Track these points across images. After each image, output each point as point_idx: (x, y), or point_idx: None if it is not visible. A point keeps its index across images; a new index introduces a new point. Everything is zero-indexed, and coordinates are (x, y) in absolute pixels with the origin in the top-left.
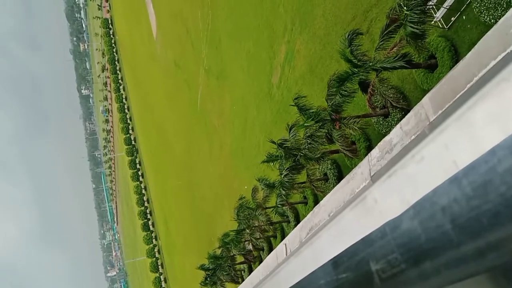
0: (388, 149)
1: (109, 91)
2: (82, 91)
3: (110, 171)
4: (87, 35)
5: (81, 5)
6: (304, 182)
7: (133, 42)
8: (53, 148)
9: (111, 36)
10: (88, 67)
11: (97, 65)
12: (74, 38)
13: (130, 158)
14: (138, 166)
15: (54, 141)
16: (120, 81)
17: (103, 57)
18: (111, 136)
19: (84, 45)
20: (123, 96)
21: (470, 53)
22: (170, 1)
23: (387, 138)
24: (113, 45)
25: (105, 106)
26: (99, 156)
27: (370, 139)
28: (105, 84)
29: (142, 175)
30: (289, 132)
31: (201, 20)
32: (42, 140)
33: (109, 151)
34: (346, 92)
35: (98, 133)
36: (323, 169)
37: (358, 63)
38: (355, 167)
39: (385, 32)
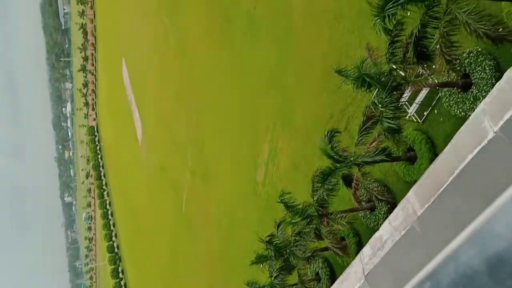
0: (379, 246)
1: (92, 198)
2: (65, 198)
3: (91, 282)
4: (73, 142)
5: (68, 115)
6: (296, 284)
7: (118, 148)
8: (32, 259)
9: (97, 143)
10: (72, 174)
11: (81, 172)
12: (60, 146)
13: (112, 267)
14: (121, 275)
15: (33, 252)
16: (104, 187)
17: (87, 164)
18: (93, 244)
19: (69, 153)
20: (107, 202)
21: (447, 147)
22: (156, 107)
23: (377, 234)
24: (98, 151)
25: (88, 213)
26: (80, 266)
27: (359, 234)
28: (89, 190)
29: (125, 286)
30: (277, 230)
31: (186, 124)
32: (20, 251)
33: (90, 260)
34: (330, 187)
35: (80, 242)
36: (314, 269)
37: (340, 159)
38: (347, 265)
39: (363, 128)
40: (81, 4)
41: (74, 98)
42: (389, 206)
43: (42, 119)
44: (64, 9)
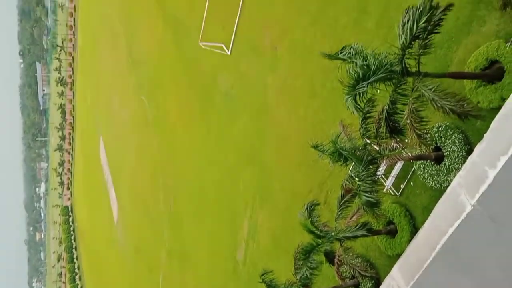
0: None
1: (63, 282)
2: (34, 284)
3: None
4: (45, 224)
5: (42, 195)
6: None
7: (93, 229)
8: None
9: (70, 223)
10: (42, 257)
11: (53, 254)
12: (31, 228)
13: None
14: None
15: None
16: (76, 270)
17: (59, 246)
18: None
19: (41, 234)
20: (79, 287)
21: (427, 221)
22: (133, 186)
23: None
24: (71, 232)
25: None
26: None
27: None
28: (60, 274)
29: None
30: None
31: (163, 202)
32: None
33: None
34: (313, 265)
35: None
36: None
37: (321, 234)
38: None
39: (342, 202)
40: (61, 85)
41: (49, 177)
42: (373, 282)
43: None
44: (43, 90)
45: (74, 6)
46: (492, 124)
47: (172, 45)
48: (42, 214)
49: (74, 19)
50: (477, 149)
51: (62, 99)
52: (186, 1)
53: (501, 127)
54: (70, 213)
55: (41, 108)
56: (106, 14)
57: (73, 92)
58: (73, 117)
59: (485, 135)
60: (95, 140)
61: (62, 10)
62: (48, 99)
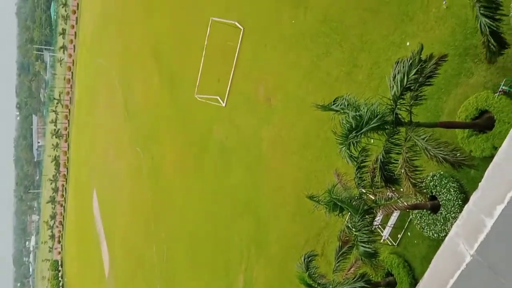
0: None
1: None
2: None
3: None
4: (33, 279)
5: (31, 249)
6: None
7: (83, 284)
8: None
9: (59, 278)
10: None
11: None
12: (18, 284)
13: None
14: None
15: None
16: None
17: None
18: None
19: None
20: None
21: (427, 272)
22: (125, 239)
23: None
24: None
25: None
26: None
27: None
28: None
29: None
30: None
31: (156, 256)
32: None
33: None
34: None
35: None
36: None
37: (318, 287)
38: None
39: (340, 254)
40: (56, 137)
41: (40, 230)
42: None
43: (2, 254)
44: (38, 142)
45: (73, 60)
46: (486, 173)
47: (168, 97)
48: (30, 269)
49: (72, 72)
50: (473, 198)
51: (57, 151)
52: (182, 55)
53: (495, 176)
54: (59, 268)
55: (35, 160)
56: (103, 68)
57: (68, 144)
58: (67, 168)
59: (480, 184)
60: (88, 192)
61: (61, 64)
62: (43, 151)
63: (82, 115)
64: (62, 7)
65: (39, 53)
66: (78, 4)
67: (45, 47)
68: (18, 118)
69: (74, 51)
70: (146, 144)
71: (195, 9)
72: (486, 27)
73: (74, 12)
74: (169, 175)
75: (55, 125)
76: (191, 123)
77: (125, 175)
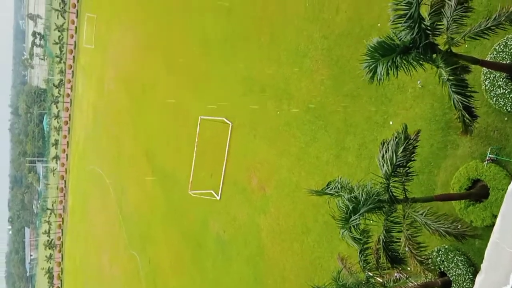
0: None
1: None
2: None
3: None
4: None
5: None
6: None
7: None
8: None
9: None
10: None
11: None
12: None
13: None
14: None
15: None
16: None
17: None
18: None
19: None
20: None
21: None
22: None
23: None
24: None
25: None
26: None
27: None
28: None
29: None
30: None
31: None
32: None
33: None
34: None
35: None
36: None
37: None
38: None
39: None
40: (49, 248)
41: None
42: None
43: None
44: (31, 255)
45: (66, 169)
46: (485, 253)
47: (161, 196)
48: None
49: (65, 181)
50: (478, 281)
51: (50, 262)
52: (174, 154)
53: (495, 256)
54: None
55: (28, 275)
56: (96, 173)
57: (62, 254)
58: (61, 280)
59: (482, 265)
60: None
61: (53, 174)
62: (36, 264)
63: (76, 223)
64: (55, 119)
65: (32, 165)
66: (70, 115)
67: (38, 158)
68: (10, 232)
69: (66, 160)
70: (142, 246)
71: (184, 110)
72: (459, 103)
73: (66, 123)
74: (167, 275)
75: (48, 236)
76: (187, 219)
77: (121, 281)
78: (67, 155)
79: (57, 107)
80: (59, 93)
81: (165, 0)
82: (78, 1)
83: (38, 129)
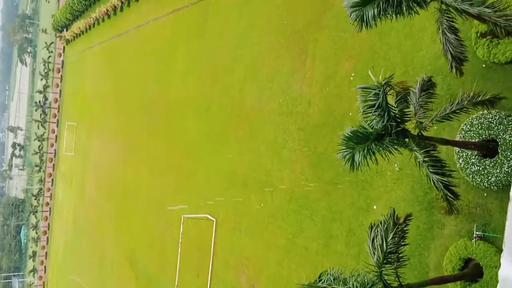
0: None
1: None
2: None
3: None
4: None
5: None
6: None
7: None
8: None
9: None
10: None
11: None
12: None
13: None
14: None
15: None
16: None
17: None
18: None
19: None
20: None
21: None
22: None
23: None
24: None
25: None
26: None
27: None
28: None
29: None
30: None
31: None
32: None
33: None
34: None
35: None
36: None
37: None
38: None
39: None
40: None
41: None
42: None
43: None
44: None
45: (43, 282)
46: None
47: None
48: None
49: None
50: None
51: None
52: (158, 256)
53: None
54: None
55: None
56: (76, 284)
57: None
58: None
59: None
60: None
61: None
62: None
63: None
64: (33, 229)
65: (7, 281)
66: (49, 224)
67: (14, 273)
68: None
69: (45, 272)
70: None
71: (166, 210)
72: (439, 183)
73: (45, 233)
74: None
75: None
76: None
77: None
78: (45, 267)
79: (36, 217)
80: (38, 202)
81: (146, 104)
82: (58, 111)
83: (15, 241)
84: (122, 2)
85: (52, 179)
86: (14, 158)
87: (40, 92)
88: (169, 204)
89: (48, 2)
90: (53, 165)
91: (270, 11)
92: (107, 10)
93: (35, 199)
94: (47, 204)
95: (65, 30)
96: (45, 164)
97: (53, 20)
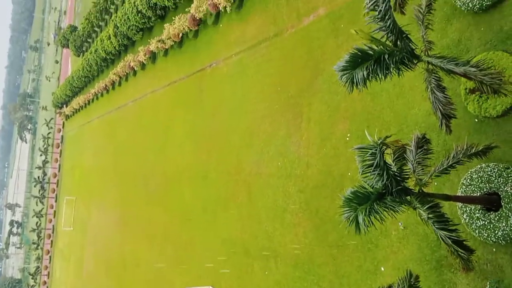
0: None
1: None
2: None
3: None
4: None
5: None
6: None
7: None
8: None
9: None
10: None
11: None
12: None
13: None
14: None
15: None
16: None
17: None
18: None
19: None
20: None
21: None
22: None
23: None
24: None
25: None
26: None
27: None
28: None
29: None
30: None
31: None
32: None
33: None
34: None
35: None
36: None
37: None
38: None
39: None
40: None
41: None
42: None
43: None
44: None
45: None
46: None
47: None
48: None
49: None
50: None
51: None
52: None
53: None
54: None
55: None
56: None
57: None
58: None
59: None
60: None
61: None
62: None
63: None
64: None
65: None
66: None
67: None
68: None
69: None
70: None
71: (168, 281)
72: (447, 238)
73: None
74: None
75: None
76: None
77: None
78: None
79: None
80: (35, 281)
81: (144, 175)
82: (57, 186)
83: None
84: (120, 77)
85: (50, 256)
86: (11, 236)
87: (39, 168)
88: (170, 276)
89: (49, 80)
90: (51, 241)
91: (263, 80)
92: (106, 85)
93: (32, 278)
94: (45, 283)
95: (64, 106)
96: (43, 241)
97: (53, 97)
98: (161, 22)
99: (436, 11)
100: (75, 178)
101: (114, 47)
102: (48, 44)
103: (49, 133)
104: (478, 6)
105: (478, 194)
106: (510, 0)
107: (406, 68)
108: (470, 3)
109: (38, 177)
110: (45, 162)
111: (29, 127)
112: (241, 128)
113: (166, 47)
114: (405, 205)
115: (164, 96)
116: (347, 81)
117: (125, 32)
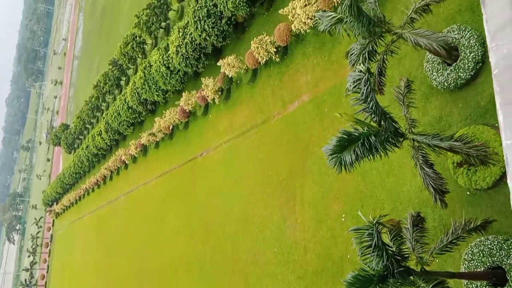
0: None
1: None
2: None
3: None
4: None
5: None
6: None
7: None
8: None
9: None
10: None
11: None
12: None
13: None
14: None
15: None
16: None
17: None
18: None
19: None
20: None
21: None
22: None
23: None
24: None
25: None
26: None
27: None
28: None
29: None
30: None
31: None
32: None
33: None
34: None
35: None
36: None
37: None
38: None
39: None
40: None
41: None
42: None
43: None
44: None
45: None
46: None
47: None
48: None
49: None
50: None
51: None
52: None
53: None
54: None
55: None
56: None
57: None
58: None
59: None
60: None
61: None
62: None
63: None
64: None
65: None
66: None
67: None
68: None
69: None
70: None
71: None
72: None
73: None
74: None
75: None
76: None
77: None
78: None
79: None
80: None
81: (138, 269)
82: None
83: None
84: (111, 172)
85: None
86: None
87: (26, 270)
88: None
89: (40, 179)
90: None
91: (254, 165)
92: (97, 180)
93: None
94: None
95: (55, 204)
96: None
97: (43, 196)
98: (152, 116)
99: (414, 91)
100: (64, 279)
101: (106, 143)
102: (40, 143)
103: (38, 232)
104: (453, 84)
105: (482, 269)
106: (482, 77)
107: (392, 147)
108: (445, 82)
109: (25, 280)
110: (33, 263)
111: (17, 228)
112: (235, 214)
113: (157, 139)
114: (409, 286)
115: (156, 187)
116: (335, 165)
117: (116, 128)
